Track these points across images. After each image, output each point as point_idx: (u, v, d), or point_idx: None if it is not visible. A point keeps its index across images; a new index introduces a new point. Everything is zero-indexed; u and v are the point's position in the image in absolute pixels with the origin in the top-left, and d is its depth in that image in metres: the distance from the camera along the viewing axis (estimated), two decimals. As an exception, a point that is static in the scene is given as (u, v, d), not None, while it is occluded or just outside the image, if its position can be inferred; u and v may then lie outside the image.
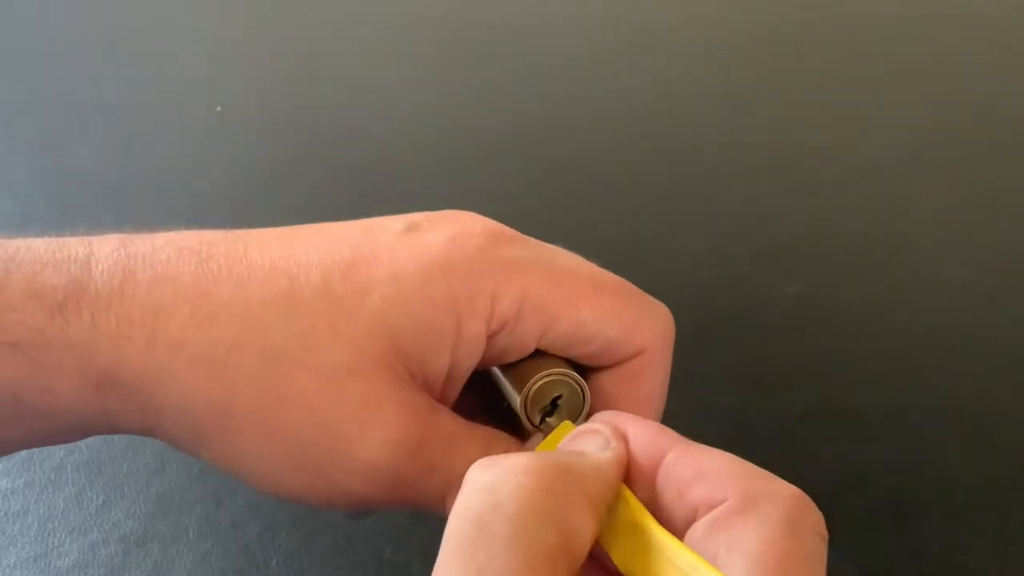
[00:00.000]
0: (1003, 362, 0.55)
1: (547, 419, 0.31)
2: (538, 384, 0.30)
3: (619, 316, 0.31)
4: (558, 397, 0.31)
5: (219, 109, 0.82)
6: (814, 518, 0.23)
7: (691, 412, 0.52)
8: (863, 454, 0.49)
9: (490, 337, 0.30)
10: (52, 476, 0.49)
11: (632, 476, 0.26)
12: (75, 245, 0.29)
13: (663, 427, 0.27)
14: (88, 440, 0.50)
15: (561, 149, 0.76)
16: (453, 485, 0.28)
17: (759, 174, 0.72)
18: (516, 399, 0.31)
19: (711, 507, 0.24)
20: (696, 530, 0.24)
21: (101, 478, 0.48)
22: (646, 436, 0.27)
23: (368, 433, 0.27)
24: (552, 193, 0.70)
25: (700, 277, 0.62)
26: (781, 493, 0.24)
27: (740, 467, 0.25)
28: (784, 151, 0.75)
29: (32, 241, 0.29)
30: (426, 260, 0.29)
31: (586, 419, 0.30)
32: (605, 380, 0.32)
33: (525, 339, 0.30)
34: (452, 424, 0.29)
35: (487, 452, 0.29)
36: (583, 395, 0.31)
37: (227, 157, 0.76)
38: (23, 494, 0.48)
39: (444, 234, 0.30)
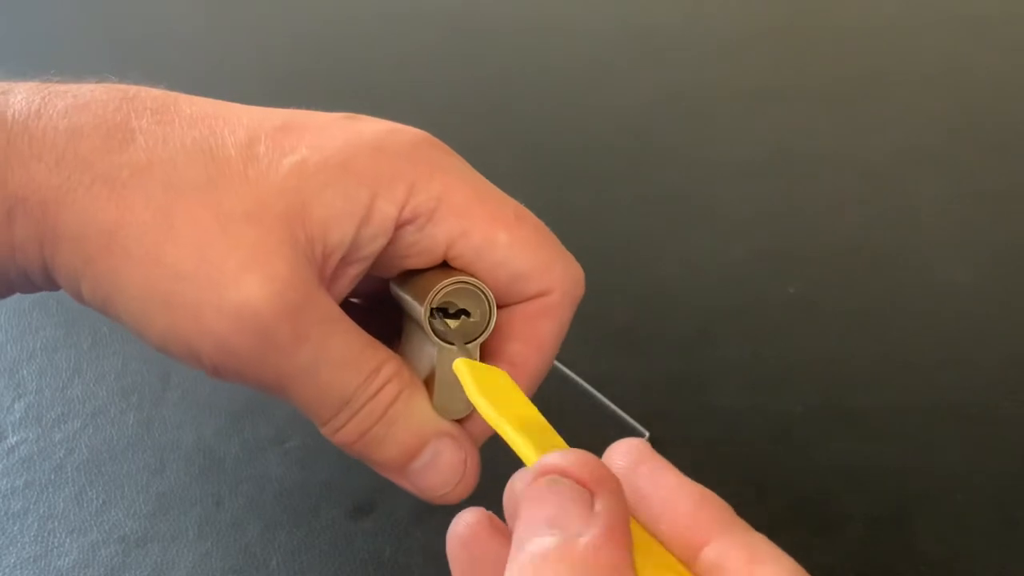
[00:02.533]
0: (1003, 362, 0.55)
1: (450, 331, 0.29)
2: (445, 289, 0.29)
3: (534, 251, 0.30)
4: (463, 311, 0.30)
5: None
6: None
7: (691, 412, 0.52)
8: (863, 454, 0.49)
9: (399, 227, 0.29)
10: (52, 476, 0.49)
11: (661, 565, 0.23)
12: None
13: (706, 494, 0.24)
14: (88, 440, 0.50)
15: (560, 149, 0.76)
16: (319, 369, 0.27)
17: (759, 174, 0.72)
18: (419, 308, 0.29)
19: None
20: None
21: (101, 478, 0.48)
22: (688, 505, 0.23)
23: (247, 276, 0.26)
24: (551, 193, 0.70)
25: (700, 277, 0.62)
26: None
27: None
28: (784, 151, 0.75)
29: None
30: (356, 140, 0.29)
31: (486, 337, 0.30)
32: (502, 316, 0.31)
33: (434, 242, 0.29)
34: (333, 307, 0.28)
35: (366, 349, 0.28)
36: (489, 310, 0.30)
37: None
38: (23, 494, 0.48)
39: (380, 126, 0.30)
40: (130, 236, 0.27)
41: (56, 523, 0.46)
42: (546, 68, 0.88)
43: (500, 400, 0.27)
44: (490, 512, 0.26)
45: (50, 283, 0.29)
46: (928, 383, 0.54)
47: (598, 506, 0.21)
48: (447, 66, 0.89)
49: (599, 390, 0.52)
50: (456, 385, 0.29)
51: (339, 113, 0.31)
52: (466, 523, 0.25)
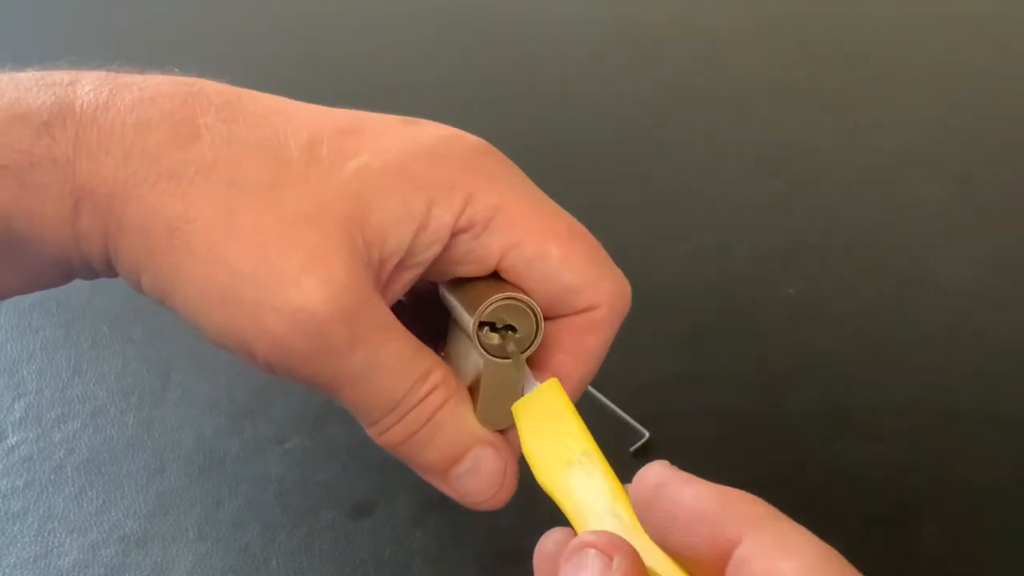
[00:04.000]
0: (1003, 362, 0.55)
1: (497, 344, 0.30)
2: (495, 304, 0.29)
3: (585, 266, 0.31)
4: (510, 327, 0.30)
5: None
6: None
7: (691, 412, 0.52)
8: (863, 454, 0.49)
9: (454, 235, 0.29)
10: (52, 476, 0.49)
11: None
12: (61, 73, 0.29)
13: (726, 494, 0.24)
14: (88, 440, 0.50)
15: (560, 149, 0.76)
16: (371, 373, 0.28)
17: (759, 174, 0.72)
18: (468, 319, 0.30)
19: None
20: None
21: (101, 478, 0.48)
22: (711, 512, 0.24)
23: (306, 278, 0.27)
24: (551, 193, 0.70)
25: (700, 277, 0.62)
26: None
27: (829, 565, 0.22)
28: (784, 151, 0.75)
29: (16, 73, 0.29)
30: (416, 146, 0.30)
31: (531, 352, 0.30)
32: (549, 327, 0.31)
33: (487, 252, 0.30)
34: (387, 313, 0.29)
35: (416, 356, 0.29)
36: (537, 327, 0.30)
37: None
38: (23, 494, 0.48)
39: (441, 131, 0.31)
40: (193, 232, 0.27)
41: (56, 523, 0.46)
42: (545, 66, 0.88)
43: (550, 444, 0.28)
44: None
45: (110, 271, 0.30)
46: (928, 383, 0.54)
47: (614, 564, 0.24)
48: (444, 64, 0.89)
49: (599, 390, 0.52)
50: (500, 397, 0.30)
51: (399, 116, 0.32)
52: (554, 541, 0.27)
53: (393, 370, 0.29)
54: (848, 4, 1.01)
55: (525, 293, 0.30)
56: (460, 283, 0.32)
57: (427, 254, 0.29)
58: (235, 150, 0.28)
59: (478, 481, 0.30)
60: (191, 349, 0.55)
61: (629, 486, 0.26)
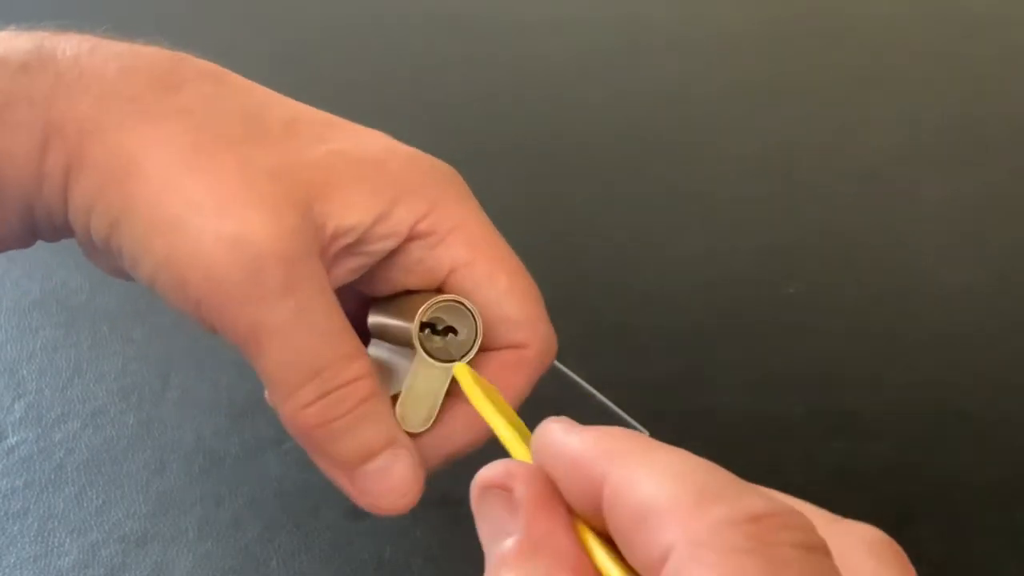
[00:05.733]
0: (1003, 362, 0.55)
1: (437, 347, 0.30)
2: (441, 303, 0.30)
3: (526, 302, 0.31)
4: (451, 329, 0.30)
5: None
6: (790, 533, 0.18)
7: (691, 412, 0.52)
8: (863, 454, 0.49)
9: (411, 239, 0.30)
10: (52, 476, 0.49)
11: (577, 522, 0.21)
12: (45, 30, 0.30)
13: (600, 435, 0.21)
14: (88, 440, 0.50)
15: (560, 149, 0.76)
16: (298, 328, 0.27)
17: (759, 174, 0.72)
18: (407, 324, 0.30)
19: (663, 560, 0.18)
20: None
21: (101, 478, 0.48)
22: (581, 457, 0.21)
23: (254, 213, 0.27)
24: (551, 193, 0.70)
25: (700, 277, 0.62)
26: (731, 513, 0.18)
27: (679, 489, 0.19)
28: (784, 151, 0.75)
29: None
30: (394, 150, 0.31)
31: (469, 359, 0.31)
32: (479, 359, 0.31)
33: (438, 264, 0.30)
34: (326, 281, 0.29)
35: (347, 332, 0.28)
36: (476, 334, 0.30)
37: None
38: (23, 494, 0.48)
39: (417, 151, 0.32)
40: (153, 163, 0.27)
41: (56, 523, 0.46)
42: (544, 65, 0.88)
43: (495, 405, 0.27)
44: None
45: (63, 218, 0.29)
46: (928, 383, 0.54)
47: (515, 495, 0.21)
48: (444, 64, 0.89)
49: (599, 390, 0.52)
50: (423, 400, 0.30)
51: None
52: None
53: (322, 333, 0.28)
54: (847, 4, 1.01)
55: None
56: (394, 298, 0.32)
57: (380, 246, 0.30)
58: (215, 106, 0.29)
59: (387, 482, 0.29)
60: (191, 349, 0.55)
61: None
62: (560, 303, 0.57)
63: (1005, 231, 0.66)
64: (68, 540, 0.45)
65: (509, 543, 0.21)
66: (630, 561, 0.19)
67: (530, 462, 0.23)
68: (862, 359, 0.55)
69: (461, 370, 0.29)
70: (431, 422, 0.31)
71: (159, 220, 0.27)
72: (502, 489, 0.22)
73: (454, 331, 0.31)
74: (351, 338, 0.29)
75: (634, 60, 0.89)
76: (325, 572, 0.44)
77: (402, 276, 0.31)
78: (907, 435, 0.50)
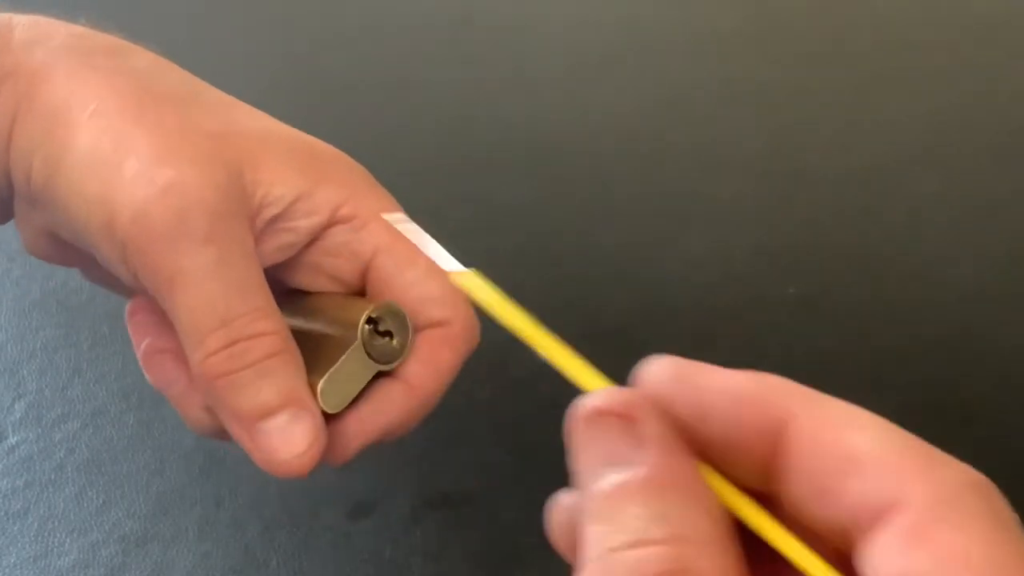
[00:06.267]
0: (1004, 362, 0.55)
1: (377, 343, 0.32)
2: (388, 303, 0.32)
3: (444, 284, 0.33)
4: (388, 333, 0.32)
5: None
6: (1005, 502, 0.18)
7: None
8: (863, 454, 0.49)
9: (334, 223, 0.32)
10: (52, 476, 0.49)
11: (739, 463, 0.20)
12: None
13: (763, 376, 0.21)
14: (88, 440, 0.51)
15: (560, 150, 0.76)
16: (214, 276, 0.28)
17: (759, 174, 0.72)
18: (357, 312, 0.31)
19: (880, 511, 0.18)
20: (884, 546, 0.18)
21: (101, 478, 0.49)
22: (750, 394, 0.21)
23: (188, 165, 0.28)
24: (551, 193, 0.70)
25: (700, 277, 0.62)
26: (968, 478, 0.19)
27: (903, 445, 0.20)
28: (784, 151, 0.75)
29: None
30: (323, 146, 0.33)
31: (397, 364, 0.32)
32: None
33: (362, 247, 0.32)
34: (250, 241, 0.30)
35: (263, 290, 0.29)
36: (409, 341, 0.32)
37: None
38: (23, 494, 0.48)
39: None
40: (98, 109, 0.29)
41: (56, 523, 0.46)
42: (543, 66, 0.88)
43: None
44: None
45: (4, 170, 0.30)
46: (928, 383, 0.54)
47: (643, 431, 0.21)
48: (443, 66, 0.89)
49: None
50: (345, 385, 0.31)
51: None
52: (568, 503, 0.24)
53: (238, 284, 0.29)
54: (848, 4, 1.01)
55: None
56: (311, 297, 0.34)
57: (304, 223, 0.31)
58: (163, 73, 0.31)
59: (285, 440, 0.30)
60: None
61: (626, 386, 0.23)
62: (560, 303, 0.58)
63: (1005, 230, 0.66)
64: (68, 540, 0.46)
65: (630, 475, 0.20)
66: (812, 508, 0.19)
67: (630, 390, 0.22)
68: (862, 359, 0.55)
69: (471, 276, 0.27)
70: (342, 408, 0.32)
71: (97, 162, 0.28)
72: (623, 418, 0.21)
73: (390, 336, 0.32)
74: (267, 297, 0.30)
75: (634, 61, 0.89)
76: (325, 572, 0.44)
77: (328, 260, 0.33)
78: (907, 435, 0.50)
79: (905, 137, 0.77)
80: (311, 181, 0.31)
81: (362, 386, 0.32)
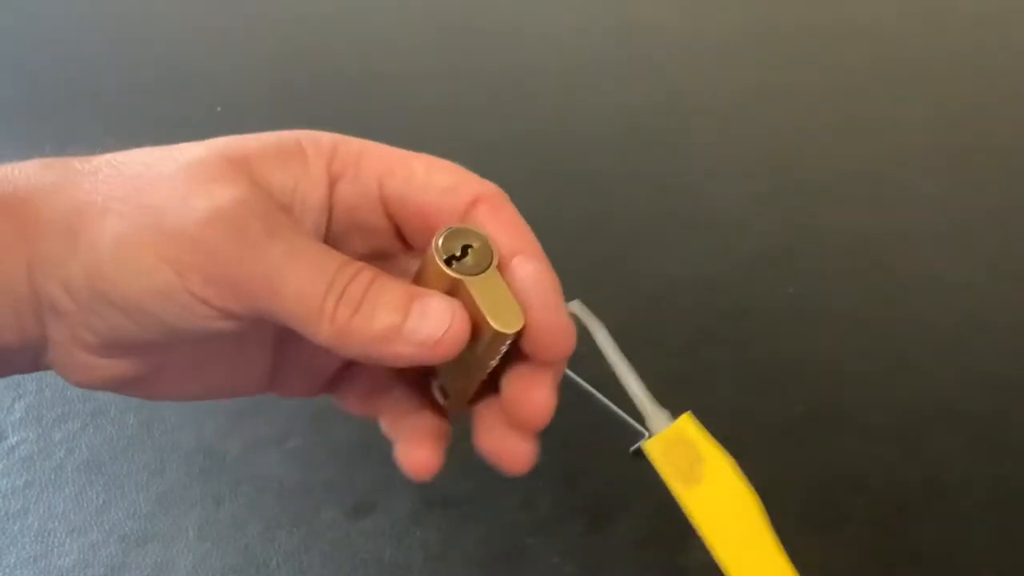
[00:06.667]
0: (1004, 361, 0.55)
1: (459, 263, 0.32)
2: (441, 235, 0.32)
3: (450, 170, 0.34)
4: (467, 246, 0.32)
5: (219, 109, 0.82)
6: None
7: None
8: (863, 454, 0.49)
9: (334, 183, 0.33)
10: (52, 476, 0.49)
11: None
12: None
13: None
14: (88, 440, 0.50)
15: (560, 150, 0.76)
16: (296, 260, 0.30)
17: (759, 174, 0.72)
18: (436, 260, 0.32)
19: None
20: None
21: (101, 478, 0.48)
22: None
23: (216, 189, 0.30)
24: (552, 193, 0.70)
25: (700, 277, 0.62)
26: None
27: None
28: (784, 151, 0.75)
29: None
30: (284, 132, 0.34)
31: (498, 258, 0.32)
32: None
33: (367, 188, 0.33)
34: (299, 226, 0.32)
35: (333, 252, 0.31)
36: (490, 244, 0.32)
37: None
38: (23, 494, 0.48)
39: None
40: (113, 198, 0.30)
41: (56, 523, 0.46)
42: (545, 69, 0.88)
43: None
44: None
45: (33, 299, 0.31)
46: (928, 383, 0.54)
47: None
48: (445, 69, 0.89)
49: (599, 390, 0.52)
50: (501, 302, 0.32)
51: None
52: None
53: (315, 256, 0.31)
54: (845, 7, 1.01)
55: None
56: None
57: (314, 197, 0.33)
58: (139, 152, 0.32)
59: (428, 322, 0.31)
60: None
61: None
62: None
63: (1005, 231, 0.66)
64: (68, 540, 0.46)
65: None
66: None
67: None
68: (862, 359, 0.55)
69: (687, 420, 0.32)
70: (522, 318, 0.32)
71: (137, 238, 0.30)
72: None
73: (469, 247, 0.32)
74: (337, 252, 0.32)
75: (635, 64, 0.89)
76: (325, 572, 0.44)
77: (352, 218, 0.34)
78: (907, 435, 0.50)
79: (905, 137, 0.77)
80: (298, 162, 0.33)
81: (505, 287, 0.32)
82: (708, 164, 0.74)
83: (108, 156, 0.32)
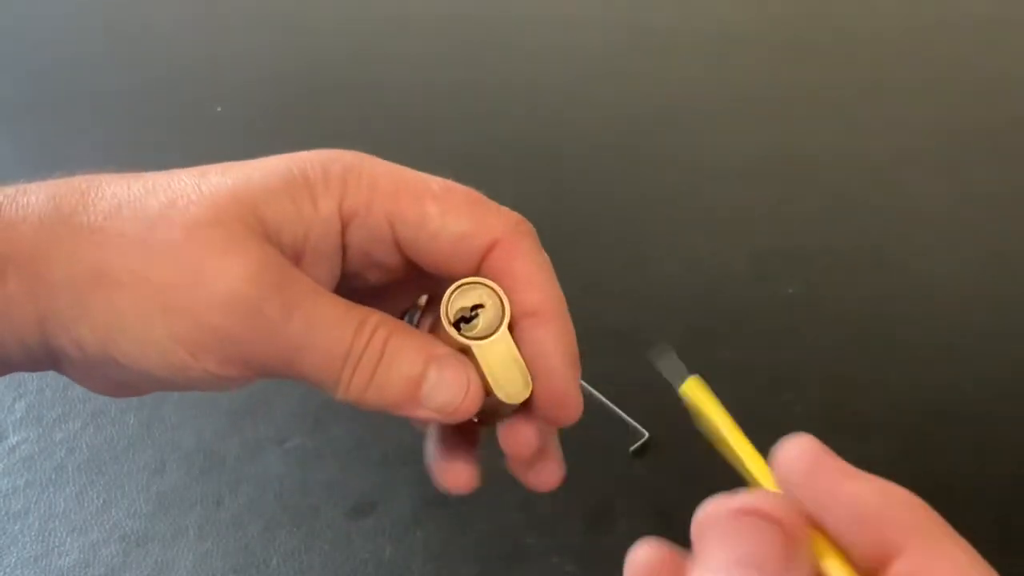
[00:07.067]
0: (1002, 362, 0.55)
1: (479, 327, 0.31)
2: (452, 294, 0.31)
3: (465, 212, 0.32)
4: (479, 306, 0.31)
5: (219, 109, 0.82)
6: None
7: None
8: (863, 454, 0.49)
9: (346, 225, 0.32)
10: (53, 476, 0.49)
11: None
12: None
13: (889, 495, 0.22)
14: (88, 440, 0.51)
15: (560, 151, 0.76)
16: (315, 333, 0.29)
17: (759, 175, 0.72)
18: (449, 331, 0.31)
19: None
20: None
21: (101, 478, 0.49)
22: (872, 515, 0.22)
23: (228, 266, 0.29)
24: (553, 193, 0.70)
25: (700, 277, 0.62)
26: None
27: None
28: (784, 152, 0.75)
29: None
30: (291, 159, 0.32)
31: (508, 327, 0.31)
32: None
33: (380, 230, 0.32)
34: (310, 281, 0.30)
35: (350, 308, 0.30)
36: (502, 303, 0.31)
37: (227, 157, 0.76)
38: (24, 494, 0.48)
39: (314, 151, 0.33)
40: (116, 268, 0.29)
41: (57, 522, 0.46)
42: (545, 71, 0.88)
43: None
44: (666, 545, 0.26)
45: (44, 345, 0.31)
46: (927, 383, 0.54)
47: (799, 539, 0.22)
48: (445, 69, 0.89)
49: (599, 390, 0.52)
50: (508, 370, 0.31)
51: None
52: (646, 557, 0.25)
53: (334, 324, 0.30)
54: (847, 8, 1.01)
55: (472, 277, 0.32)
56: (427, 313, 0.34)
57: (327, 244, 0.32)
58: (136, 190, 0.31)
59: (446, 390, 0.31)
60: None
61: (772, 463, 0.24)
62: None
63: (1005, 231, 0.66)
64: (69, 540, 0.46)
65: None
66: None
67: (777, 492, 0.24)
68: (862, 359, 0.55)
69: (692, 385, 0.29)
70: (530, 384, 0.31)
71: (151, 312, 0.29)
72: (775, 523, 0.22)
73: (481, 306, 0.31)
74: (357, 310, 0.30)
75: (635, 64, 0.89)
76: (325, 572, 0.44)
77: (368, 258, 0.33)
78: (907, 435, 0.51)
79: (905, 138, 0.77)
80: (307, 206, 0.31)
81: (516, 353, 0.31)
82: (708, 164, 0.74)
83: (107, 203, 0.31)
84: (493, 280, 0.31)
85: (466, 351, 0.31)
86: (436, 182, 0.32)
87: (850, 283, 0.62)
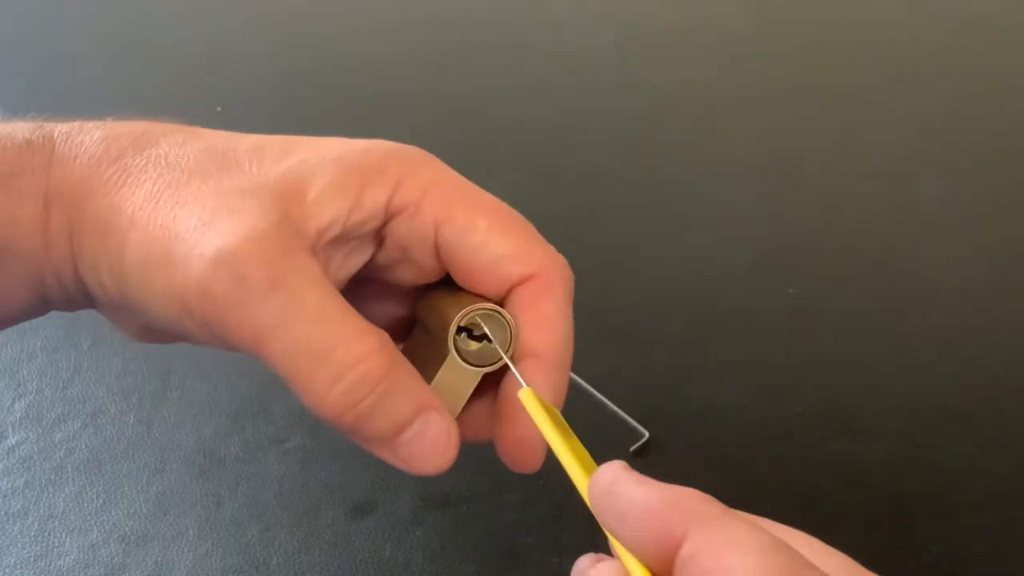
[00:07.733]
0: (1003, 362, 0.55)
1: (471, 350, 0.31)
2: (474, 312, 0.31)
3: (513, 235, 0.32)
4: (486, 337, 0.31)
5: (219, 109, 0.82)
6: None
7: (691, 412, 0.52)
8: (863, 454, 0.49)
9: (391, 218, 0.31)
10: (52, 476, 0.49)
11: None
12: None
13: (675, 492, 0.24)
14: (88, 440, 0.51)
15: (561, 151, 0.76)
16: (295, 319, 0.28)
17: (759, 175, 0.72)
18: (444, 325, 0.31)
19: None
20: None
21: (101, 478, 0.49)
22: (656, 509, 0.23)
23: (233, 225, 0.29)
24: (552, 195, 0.70)
25: (700, 277, 0.62)
26: None
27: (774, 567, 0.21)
28: (784, 152, 0.75)
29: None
30: (350, 144, 0.33)
31: (512, 354, 0.31)
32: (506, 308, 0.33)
33: (424, 230, 0.32)
34: (317, 269, 0.30)
35: (347, 313, 0.29)
36: (511, 338, 0.31)
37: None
38: (23, 494, 0.48)
39: (374, 140, 0.34)
40: (140, 210, 0.30)
41: (56, 523, 0.46)
42: (543, 69, 0.88)
43: (560, 430, 0.29)
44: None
45: (79, 283, 0.32)
46: (928, 383, 0.54)
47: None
48: (446, 70, 0.89)
49: (599, 390, 0.52)
50: (450, 395, 0.31)
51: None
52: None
53: (319, 318, 0.29)
54: (848, 6, 1.01)
55: (501, 305, 0.32)
56: (442, 292, 0.33)
57: (365, 229, 0.31)
58: (188, 149, 0.31)
59: (424, 445, 0.30)
60: (191, 350, 0.55)
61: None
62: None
63: (1005, 231, 0.66)
64: (68, 540, 0.46)
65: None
66: None
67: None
68: (862, 359, 0.55)
69: (527, 395, 0.30)
70: (459, 410, 0.32)
71: (154, 258, 0.29)
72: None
73: (488, 339, 0.31)
74: (354, 319, 0.29)
75: (636, 63, 0.89)
76: (325, 572, 0.44)
77: (403, 253, 0.33)
78: (907, 435, 0.51)
79: (905, 137, 0.77)
80: (355, 190, 0.31)
81: (468, 392, 0.32)
82: (708, 164, 0.74)
83: (156, 150, 0.31)
84: (512, 313, 0.31)
85: (442, 348, 0.31)
86: (491, 198, 0.33)
87: (850, 283, 0.62)
